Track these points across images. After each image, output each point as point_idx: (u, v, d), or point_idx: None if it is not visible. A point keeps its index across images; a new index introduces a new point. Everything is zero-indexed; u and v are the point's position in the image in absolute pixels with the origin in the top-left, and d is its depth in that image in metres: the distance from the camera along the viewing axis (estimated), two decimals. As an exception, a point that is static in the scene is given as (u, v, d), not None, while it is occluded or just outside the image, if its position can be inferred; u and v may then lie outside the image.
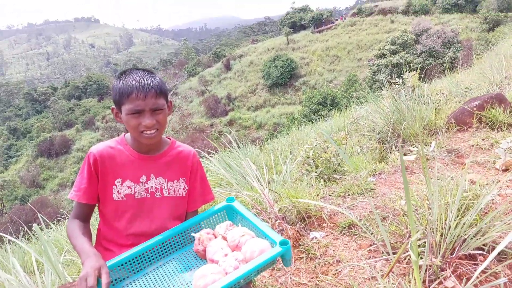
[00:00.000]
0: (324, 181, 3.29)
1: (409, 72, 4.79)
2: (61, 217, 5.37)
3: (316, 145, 3.82)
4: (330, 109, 18.35)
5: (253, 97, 37.02)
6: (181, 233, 1.33)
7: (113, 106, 1.34)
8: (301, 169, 3.87)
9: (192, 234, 1.28)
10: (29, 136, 39.38)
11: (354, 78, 26.17)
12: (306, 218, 2.24)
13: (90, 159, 1.32)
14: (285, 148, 7.78)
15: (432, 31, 26.07)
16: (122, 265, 1.21)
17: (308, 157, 3.74)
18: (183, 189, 1.43)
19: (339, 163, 3.60)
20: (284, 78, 35.60)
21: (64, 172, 33.39)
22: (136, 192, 1.34)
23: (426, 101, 4.25)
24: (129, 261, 1.22)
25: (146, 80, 1.25)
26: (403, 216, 2.06)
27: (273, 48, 42.65)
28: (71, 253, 3.32)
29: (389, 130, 3.98)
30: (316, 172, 3.53)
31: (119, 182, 1.33)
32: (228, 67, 43.11)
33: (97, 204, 1.40)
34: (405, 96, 4.29)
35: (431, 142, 3.77)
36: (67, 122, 41.98)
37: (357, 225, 2.17)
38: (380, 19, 39.23)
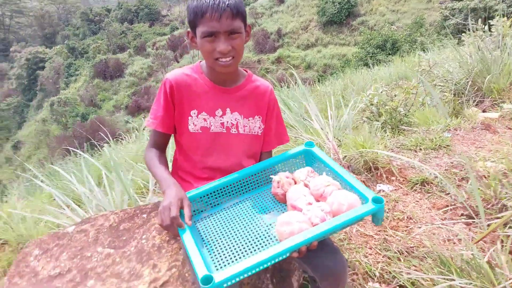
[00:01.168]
0: (389, 131, 3.09)
1: (489, 19, 4.14)
2: (118, 138, 5.68)
3: (381, 91, 3.55)
4: (389, 54, 17.01)
5: (305, 34, 35.08)
6: (257, 174, 1.28)
7: (189, 30, 1.22)
8: (362, 117, 3.66)
9: (271, 176, 1.22)
10: (86, 56, 40.95)
11: (421, 21, 23.65)
12: (373, 169, 2.13)
13: (167, 86, 1.25)
14: (337, 92, 7.42)
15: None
16: (200, 197, 1.20)
17: (371, 104, 3.50)
18: (259, 127, 1.35)
19: (405, 114, 3.34)
20: (341, 15, 32.99)
21: (118, 95, 34.97)
22: (211, 126, 1.28)
23: (518, 53, 3.71)
24: (208, 194, 1.20)
25: None
26: (487, 178, 1.87)
27: (333, -19, 39.09)
28: (133, 172, 3.48)
29: (468, 82, 3.58)
30: (379, 121, 3.32)
31: (194, 113, 1.27)
32: (281, 0, 40.63)
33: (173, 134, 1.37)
34: (493, 45, 3.76)
35: (517, 100, 3.36)
36: (120, 46, 42.81)
37: (432, 183, 2.02)
38: (462, -48, 33.97)
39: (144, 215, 1.51)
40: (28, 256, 1.25)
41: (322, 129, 2.49)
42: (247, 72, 1.37)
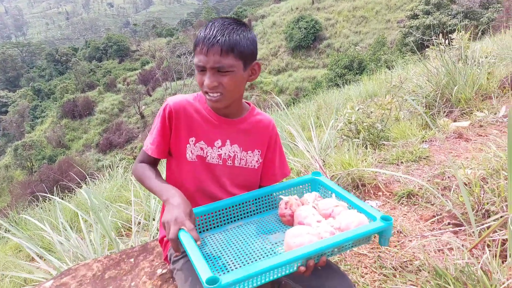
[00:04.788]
0: (369, 147, 3.13)
1: (444, 34, 4.41)
2: (91, 177, 5.40)
3: (358, 109, 3.62)
4: (357, 73, 17.68)
5: (275, 60, 36.10)
6: (263, 197, 1.27)
7: None
8: (341, 135, 3.71)
9: (281, 197, 1.20)
10: (53, 97, 40.10)
11: (383, 40, 24.91)
12: (360, 186, 2.12)
13: (166, 112, 1.21)
14: (312, 113, 7.56)
15: (470, -10, 24.13)
16: (204, 215, 1.17)
17: (350, 122, 3.55)
18: (256, 161, 1.32)
19: (382, 129, 3.41)
20: (307, 40, 34.34)
21: (88, 133, 34.19)
22: (208, 156, 1.24)
23: (479, 63, 3.92)
24: (212, 213, 1.18)
25: (216, 33, 1.06)
26: (469, 185, 1.90)
27: (297, 8, 40.80)
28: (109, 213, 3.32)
29: (437, 94, 3.72)
30: (358, 138, 3.37)
31: (192, 141, 1.23)
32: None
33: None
34: (455, 58, 3.96)
35: (483, 108, 3.51)
36: (89, 84, 42.33)
37: (417, 194, 2.03)
38: (413, -24, 36.63)
39: (131, 259, 1.41)
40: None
41: (308, 151, 2.49)
42: (250, 105, 1.34)
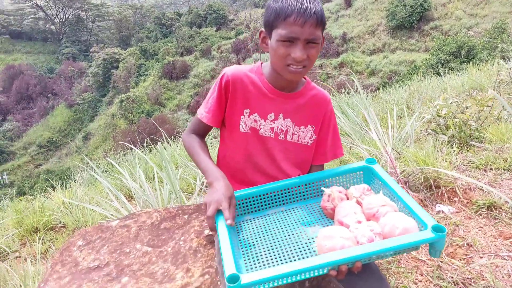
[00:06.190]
0: (456, 146, 2.81)
1: None
2: (177, 135, 5.96)
3: (451, 102, 3.24)
4: (464, 62, 15.64)
5: (371, 39, 33.77)
6: (309, 184, 1.22)
7: (262, 29, 1.18)
8: (427, 128, 3.38)
9: (323, 189, 1.15)
10: (156, 58, 43.78)
11: (503, 26, 21.45)
12: (434, 188, 1.93)
13: (223, 81, 1.23)
14: (401, 101, 6.98)
15: None
16: (246, 199, 1.17)
17: (439, 116, 3.21)
18: (310, 137, 1.28)
19: (477, 128, 3.02)
20: (412, 19, 31.18)
21: (182, 94, 36.87)
22: (261, 128, 1.25)
23: None
24: (254, 197, 1.18)
25: (309, 3, 1.04)
26: None
27: (405, -17, 37.18)
28: (184, 169, 3.60)
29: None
30: (445, 135, 3.04)
31: (247, 112, 1.24)
32: (349, 3, 39.56)
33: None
34: None
35: None
36: (188, 48, 45.09)
37: (501, 208, 1.78)
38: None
39: (186, 216, 1.51)
40: (72, 246, 1.32)
41: (380, 139, 2.33)
42: (306, 78, 1.31)
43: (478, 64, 10.81)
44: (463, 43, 17.12)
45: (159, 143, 3.89)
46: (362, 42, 34.26)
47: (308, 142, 1.29)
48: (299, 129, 1.27)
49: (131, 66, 42.24)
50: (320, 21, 1.07)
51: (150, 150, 5.70)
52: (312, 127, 1.29)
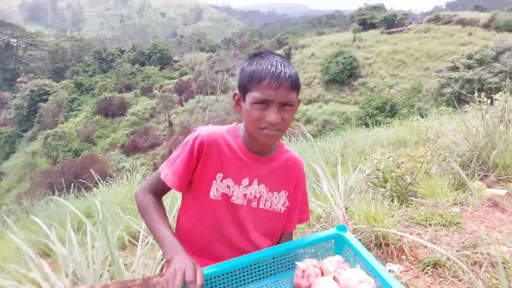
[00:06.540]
0: (396, 201, 2.95)
1: (481, 90, 4.20)
2: (109, 179, 5.37)
3: (388, 157, 3.46)
4: (388, 116, 17.39)
5: (308, 90, 36.22)
6: (280, 257, 1.11)
7: (237, 92, 1.13)
8: (367, 181, 3.54)
9: (297, 263, 1.05)
10: (92, 93, 41.74)
11: (419, 87, 24.54)
12: (383, 246, 1.96)
13: (196, 143, 1.12)
14: (337, 150, 7.38)
15: (517, 51, 23.62)
16: (211, 278, 1.01)
17: (378, 169, 3.39)
18: (283, 204, 1.22)
19: (411, 183, 3.23)
20: (343, 75, 34.38)
21: (116, 133, 35.11)
22: (233, 195, 1.15)
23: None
24: (220, 275, 1.02)
25: (284, 67, 1.03)
26: (505, 265, 1.71)
27: (337, 43, 41.19)
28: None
29: (474, 155, 3.51)
30: (384, 188, 3.20)
31: (219, 177, 1.14)
32: (288, 56, 42.47)
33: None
34: (496, 119, 3.76)
35: (524, 178, 3.27)
36: (128, 86, 43.87)
37: (444, 266, 1.85)
38: (457, 29, 36.23)
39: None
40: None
41: (332, 195, 2.34)
42: (279, 141, 1.26)
43: (400, 119, 12.04)
44: (387, 100, 19.14)
45: (93, 186, 3.51)
46: (300, 92, 36.54)
47: (281, 209, 1.22)
48: (272, 195, 1.21)
49: (62, 100, 39.56)
50: (294, 85, 1.05)
51: (77, 197, 5.12)
52: (285, 193, 1.23)
